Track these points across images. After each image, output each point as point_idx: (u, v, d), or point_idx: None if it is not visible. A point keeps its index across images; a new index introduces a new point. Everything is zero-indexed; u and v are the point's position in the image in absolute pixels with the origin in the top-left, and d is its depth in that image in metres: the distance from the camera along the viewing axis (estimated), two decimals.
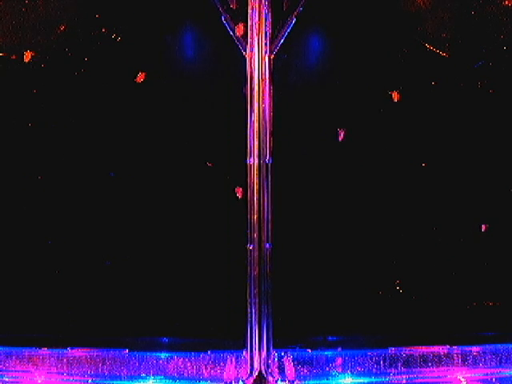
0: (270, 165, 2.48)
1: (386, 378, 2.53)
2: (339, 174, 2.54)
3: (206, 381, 2.52)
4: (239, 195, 2.48)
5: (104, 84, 2.53)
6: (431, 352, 2.55)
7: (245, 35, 2.44)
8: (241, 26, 2.43)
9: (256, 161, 2.47)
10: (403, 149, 2.55)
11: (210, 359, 2.53)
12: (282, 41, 2.50)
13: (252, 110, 2.47)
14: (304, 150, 2.54)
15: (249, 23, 2.48)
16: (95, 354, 2.55)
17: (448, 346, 2.55)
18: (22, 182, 2.56)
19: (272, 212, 2.49)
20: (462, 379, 2.54)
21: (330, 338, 2.55)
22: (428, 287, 2.57)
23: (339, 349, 2.54)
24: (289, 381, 2.51)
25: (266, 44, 2.48)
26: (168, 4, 2.52)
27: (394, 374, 2.53)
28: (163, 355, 2.54)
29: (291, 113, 2.52)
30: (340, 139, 2.38)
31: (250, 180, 2.49)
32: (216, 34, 2.51)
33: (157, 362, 2.54)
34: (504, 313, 2.59)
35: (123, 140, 2.54)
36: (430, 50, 2.53)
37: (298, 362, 2.54)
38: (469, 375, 2.55)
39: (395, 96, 2.43)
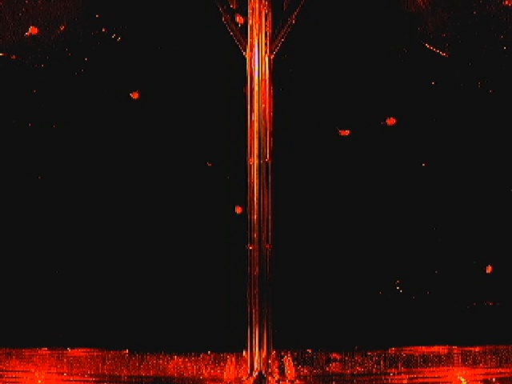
0: (269, 165, 2.48)
1: (385, 377, 2.53)
2: (340, 173, 2.54)
3: (206, 381, 2.52)
4: (238, 211, 2.48)
5: (104, 84, 2.53)
6: (431, 352, 2.55)
7: (244, 26, 2.44)
8: (240, 17, 2.43)
9: (256, 161, 2.48)
10: (404, 149, 2.55)
11: (210, 359, 2.53)
12: (282, 41, 2.50)
13: (252, 110, 2.47)
14: (304, 149, 2.54)
15: (249, 23, 2.48)
16: (95, 353, 2.55)
17: (448, 346, 2.55)
18: (22, 182, 2.56)
19: (272, 212, 2.49)
20: (462, 379, 2.54)
21: (329, 338, 2.55)
22: (428, 287, 2.57)
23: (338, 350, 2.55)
24: (289, 381, 2.51)
25: (266, 44, 2.48)
26: (168, 4, 2.52)
27: (393, 374, 2.53)
28: (163, 355, 2.54)
29: (291, 113, 2.52)
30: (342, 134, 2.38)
31: (250, 180, 2.49)
32: (216, 34, 2.51)
33: (157, 362, 2.54)
34: (504, 313, 2.59)
35: (123, 140, 2.55)
36: (430, 49, 2.53)
37: (297, 362, 2.54)
38: (469, 375, 2.55)
39: (390, 121, 2.44)
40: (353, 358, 2.54)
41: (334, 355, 2.51)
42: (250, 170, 2.49)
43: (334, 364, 2.54)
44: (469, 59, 2.54)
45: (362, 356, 2.54)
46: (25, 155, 2.56)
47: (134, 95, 2.39)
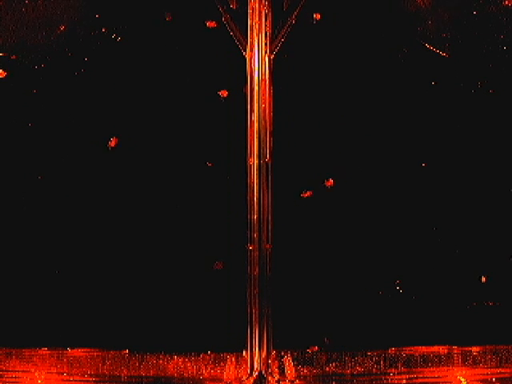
0: (269, 165, 2.48)
1: (385, 377, 2.53)
2: (340, 173, 2.54)
3: (206, 381, 2.52)
4: (219, 267, 2.50)
5: (104, 84, 2.53)
6: (431, 352, 2.55)
7: (229, 96, 2.47)
8: (225, 91, 2.45)
9: (256, 161, 2.48)
10: (403, 149, 2.55)
11: (210, 359, 2.53)
12: (282, 41, 2.50)
13: (252, 110, 2.47)
14: (304, 149, 2.54)
15: (249, 23, 2.48)
16: (95, 353, 2.55)
17: (448, 346, 2.55)
18: (22, 182, 2.56)
19: (272, 212, 2.49)
20: (462, 379, 2.54)
21: (329, 338, 2.55)
22: (428, 287, 2.57)
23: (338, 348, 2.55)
24: (289, 381, 2.51)
25: (266, 44, 2.48)
26: (168, 4, 2.52)
27: (393, 374, 2.54)
28: (163, 355, 2.54)
29: (291, 113, 2.52)
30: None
31: (250, 180, 2.49)
32: (216, 34, 2.51)
33: (157, 362, 2.54)
34: (504, 313, 2.59)
35: (123, 139, 2.55)
36: (430, 49, 2.53)
37: (297, 362, 2.54)
38: (469, 375, 2.55)
39: (329, 182, 2.46)
40: (353, 357, 2.54)
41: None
42: (249, 170, 2.49)
43: (333, 364, 2.54)
44: (469, 59, 2.54)
45: (362, 356, 2.54)
46: (25, 155, 2.56)
47: (112, 143, 2.40)
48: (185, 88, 2.53)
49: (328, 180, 2.54)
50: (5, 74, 2.33)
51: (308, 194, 2.44)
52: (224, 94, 2.38)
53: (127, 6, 2.53)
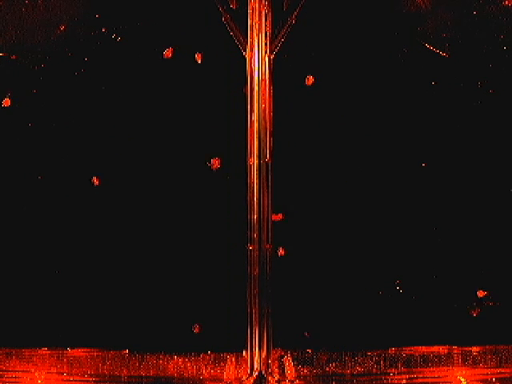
0: (269, 165, 2.48)
1: (385, 377, 2.53)
2: (340, 173, 2.54)
3: (206, 381, 2.52)
4: (196, 331, 2.52)
5: (105, 83, 2.53)
6: (431, 352, 2.55)
7: (220, 163, 2.48)
8: (216, 160, 2.46)
9: (256, 161, 2.48)
10: (403, 148, 2.55)
11: (210, 359, 2.53)
12: (282, 41, 2.50)
13: (252, 110, 2.47)
14: (304, 149, 2.54)
15: (249, 23, 2.48)
16: (95, 353, 2.55)
17: (448, 346, 2.55)
18: (22, 182, 2.56)
19: (272, 212, 2.49)
20: (462, 379, 2.54)
21: (329, 338, 2.55)
22: (428, 287, 2.57)
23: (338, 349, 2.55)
24: (289, 381, 2.51)
25: (266, 44, 2.48)
26: (168, 3, 2.52)
27: (393, 374, 2.53)
28: (163, 355, 2.54)
29: (291, 113, 2.52)
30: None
31: (250, 180, 2.49)
32: (216, 34, 2.51)
33: (157, 362, 2.54)
34: (504, 313, 2.59)
35: (124, 142, 2.55)
36: (430, 49, 2.53)
37: (297, 361, 2.54)
38: (469, 375, 2.55)
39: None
40: (353, 357, 2.54)
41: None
42: (249, 170, 2.49)
43: (333, 364, 2.54)
44: (469, 59, 2.54)
45: (362, 356, 2.54)
46: (25, 155, 2.56)
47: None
48: (184, 87, 2.53)
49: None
50: (9, 102, 2.34)
51: (280, 216, 2.47)
52: (215, 164, 2.40)
53: (127, 6, 2.53)
